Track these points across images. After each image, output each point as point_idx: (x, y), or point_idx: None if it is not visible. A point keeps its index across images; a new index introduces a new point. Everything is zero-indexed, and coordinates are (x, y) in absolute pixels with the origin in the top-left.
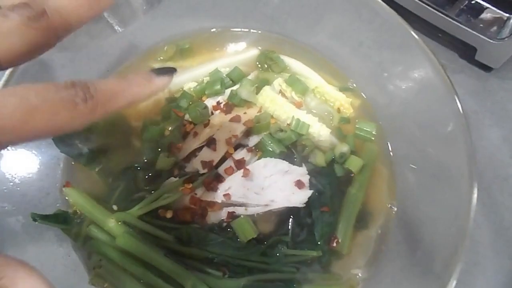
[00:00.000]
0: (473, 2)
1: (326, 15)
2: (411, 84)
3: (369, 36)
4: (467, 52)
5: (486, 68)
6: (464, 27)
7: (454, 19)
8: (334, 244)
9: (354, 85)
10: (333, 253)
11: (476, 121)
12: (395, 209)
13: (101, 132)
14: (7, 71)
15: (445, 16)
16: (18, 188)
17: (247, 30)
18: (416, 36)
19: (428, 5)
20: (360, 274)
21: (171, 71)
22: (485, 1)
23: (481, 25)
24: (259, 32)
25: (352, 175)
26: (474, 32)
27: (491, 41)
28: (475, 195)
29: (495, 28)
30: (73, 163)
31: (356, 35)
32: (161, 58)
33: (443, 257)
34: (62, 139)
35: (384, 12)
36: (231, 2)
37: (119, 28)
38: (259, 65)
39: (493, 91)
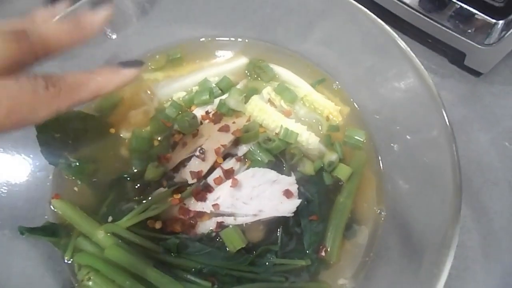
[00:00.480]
0: (461, 8)
1: (315, 23)
2: (398, 91)
3: (356, 43)
4: (456, 57)
5: (475, 73)
6: (453, 33)
7: (443, 25)
8: (323, 253)
9: (339, 86)
10: (322, 262)
11: (465, 125)
12: (384, 214)
13: (90, 142)
14: None
15: (434, 22)
16: (6, 201)
17: (235, 39)
18: (402, 44)
19: (418, 12)
20: (347, 285)
21: (138, 63)
22: (473, 8)
23: (470, 30)
24: (248, 40)
25: (341, 183)
26: (463, 38)
27: (480, 46)
28: (460, 200)
29: (483, 33)
30: (63, 175)
31: (344, 43)
32: (152, 67)
33: (432, 262)
34: (51, 150)
35: (370, 20)
36: (220, 10)
37: (111, 35)
38: (248, 74)
39: (482, 95)
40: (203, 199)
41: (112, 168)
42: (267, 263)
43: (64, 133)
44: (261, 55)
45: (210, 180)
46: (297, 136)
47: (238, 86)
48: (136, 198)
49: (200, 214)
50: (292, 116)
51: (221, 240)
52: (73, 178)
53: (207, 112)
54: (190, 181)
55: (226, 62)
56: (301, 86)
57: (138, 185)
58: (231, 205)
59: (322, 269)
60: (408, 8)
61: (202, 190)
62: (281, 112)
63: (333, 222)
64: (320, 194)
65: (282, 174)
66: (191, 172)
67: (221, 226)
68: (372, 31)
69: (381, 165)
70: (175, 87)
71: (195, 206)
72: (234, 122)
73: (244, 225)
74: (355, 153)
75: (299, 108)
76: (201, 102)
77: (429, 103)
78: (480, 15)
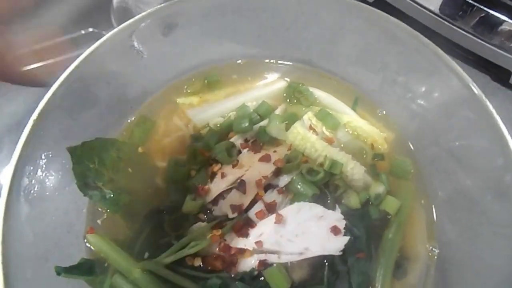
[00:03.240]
0: (508, 25)
1: (352, 41)
2: (450, 115)
3: (396, 60)
4: (500, 75)
5: None
6: (498, 50)
7: (488, 43)
8: None
9: (384, 112)
10: None
11: None
12: (437, 252)
13: (124, 172)
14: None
15: (478, 40)
16: (40, 238)
17: (273, 61)
18: (448, 58)
19: (460, 28)
20: None
21: None
22: None
23: None
24: (286, 63)
25: (389, 217)
26: (509, 56)
27: None
28: None
29: None
30: (97, 208)
31: (382, 60)
32: (189, 90)
33: None
34: (86, 182)
35: (413, 36)
36: (252, 29)
37: (143, 53)
38: (287, 98)
39: None
40: (245, 235)
41: (148, 200)
42: None
43: (100, 163)
44: (299, 78)
45: (252, 214)
46: (342, 167)
47: (277, 111)
48: (174, 232)
49: (242, 251)
50: (335, 144)
51: (263, 279)
52: (108, 210)
53: (246, 140)
54: (231, 215)
55: (263, 86)
56: (343, 111)
57: (176, 218)
58: (275, 243)
59: None
60: (448, 23)
61: (244, 225)
62: (324, 140)
63: (382, 260)
64: (367, 229)
65: (325, 207)
66: (231, 205)
67: (264, 264)
68: (415, 48)
69: (430, 199)
70: (211, 112)
71: (237, 242)
72: (275, 151)
73: (288, 264)
74: (402, 184)
75: (342, 135)
76: (240, 130)
77: (488, 132)
78: None
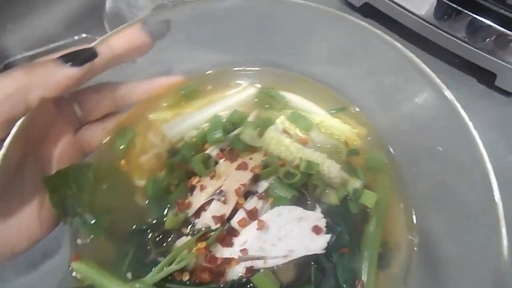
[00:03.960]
0: (492, 28)
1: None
2: (419, 110)
3: (370, 62)
4: (485, 77)
5: (506, 93)
6: (482, 53)
7: (472, 46)
8: None
9: (356, 109)
10: None
11: (496, 150)
12: (417, 240)
13: (105, 194)
14: None
15: (462, 43)
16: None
17: (243, 68)
18: (417, 60)
19: (445, 32)
20: None
21: (85, 55)
22: (504, 27)
23: (501, 51)
24: (256, 69)
25: (368, 210)
26: (494, 58)
27: None
28: (503, 234)
29: None
30: (80, 233)
31: (357, 62)
32: (165, 104)
33: None
34: (65, 210)
35: (379, 37)
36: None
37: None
38: (259, 104)
39: None
40: (229, 244)
41: (130, 219)
42: None
43: (77, 188)
44: (270, 83)
45: (234, 223)
46: (318, 166)
47: (250, 118)
48: (159, 249)
49: (228, 261)
50: (310, 145)
51: (252, 285)
52: (92, 234)
53: (222, 150)
54: (214, 227)
55: (235, 94)
56: (315, 111)
57: (159, 235)
58: (260, 248)
59: None
60: (434, 28)
61: (228, 235)
62: (298, 142)
63: (365, 254)
64: (348, 224)
65: (306, 207)
66: (213, 216)
67: (251, 270)
68: (384, 47)
69: (407, 188)
70: (185, 125)
71: (222, 252)
72: (251, 158)
73: (274, 267)
74: (379, 177)
75: (315, 136)
76: (215, 140)
77: (454, 123)
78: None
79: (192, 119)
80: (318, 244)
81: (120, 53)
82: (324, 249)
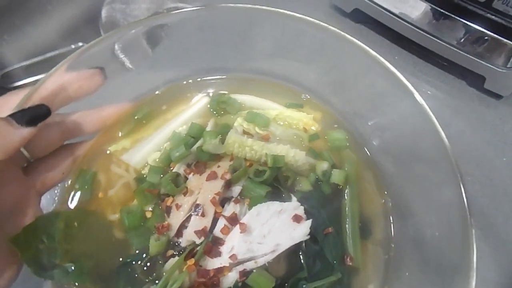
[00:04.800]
0: (480, 32)
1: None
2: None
3: (305, 45)
4: (475, 80)
5: (495, 96)
6: (471, 56)
7: (461, 49)
8: (349, 262)
9: (307, 96)
10: (351, 271)
11: (487, 151)
12: (390, 202)
13: (80, 239)
14: None
15: (451, 46)
16: None
17: (191, 80)
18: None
19: (433, 36)
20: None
21: (39, 114)
22: (493, 31)
23: (489, 54)
24: (205, 78)
25: (340, 187)
26: (482, 62)
27: (501, 70)
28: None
29: (504, 57)
30: (62, 285)
31: (294, 49)
32: (121, 133)
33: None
34: (41, 265)
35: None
36: (167, 55)
37: (130, 67)
38: (214, 112)
39: (504, 119)
40: (217, 254)
41: (112, 256)
42: None
43: (49, 240)
44: (220, 88)
45: (217, 232)
46: (284, 158)
47: (208, 128)
48: (149, 278)
49: (220, 270)
50: (272, 139)
51: (250, 287)
52: (76, 283)
53: (188, 165)
54: (198, 241)
55: (188, 108)
56: (269, 106)
57: (146, 264)
58: (248, 250)
59: (354, 278)
60: (423, 32)
61: (213, 246)
62: (260, 139)
63: (347, 228)
64: (325, 206)
65: (282, 200)
66: (195, 231)
67: (244, 274)
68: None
69: (371, 157)
70: (146, 150)
71: (212, 263)
72: (219, 166)
73: (266, 264)
74: (343, 154)
75: (274, 129)
76: (179, 158)
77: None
78: (499, 38)
79: (152, 142)
80: (301, 231)
81: (73, 95)
82: (308, 234)
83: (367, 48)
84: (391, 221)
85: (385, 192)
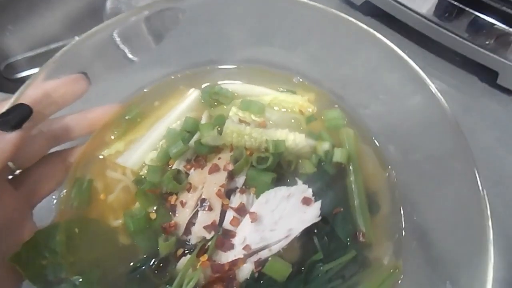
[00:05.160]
0: (495, 26)
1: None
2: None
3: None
4: (487, 75)
5: (508, 92)
6: (484, 51)
7: (474, 43)
8: (362, 238)
9: (299, 79)
10: (365, 247)
11: (498, 149)
12: (394, 174)
13: (84, 249)
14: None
15: (463, 40)
16: None
17: (180, 74)
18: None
19: (446, 29)
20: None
21: (20, 113)
22: (506, 24)
23: (503, 48)
24: (194, 70)
25: (343, 166)
26: (496, 57)
27: None
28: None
29: None
30: None
31: (278, 33)
32: (112, 137)
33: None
34: (47, 281)
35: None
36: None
37: (133, 58)
38: (207, 104)
39: None
40: (230, 247)
41: (121, 263)
42: (319, 275)
43: (51, 254)
44: (210, 80)
45: (227, 225)
46: (284, 143)
47: (203, 121)
48: (163, 280)
49: (235, 262)
50: (269, 125)
51: (267, 276)
52: None
53: (188, 161)
54: (208, 236)
55: (180, 102)
56: (262, 92)
57: (157, 266)
58: (261, 239)
59: (368, 253)
60: (434, 25)
61: (225, 239)
62: (258, 126)
63: (356, 205)
64: (331, 185)
65: (288, 185)
66: (204, 227)
67: (260, 263)
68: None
69: (371, 133)
70: (141, 150)
71: (226, 257)
72: (219, 158)
73: (281, 251)
74: (342, 132)
75: (271, 115)
76: (178, 154)
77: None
78: None
79: (146, 142)
80: (312, 213)
81: (60, 102)
82: (319, 216)
83: (361, 24)
84: (396, 194)
85: (388, 167)
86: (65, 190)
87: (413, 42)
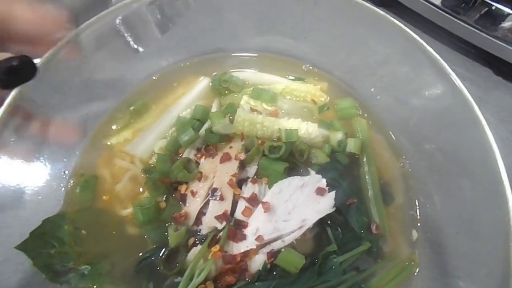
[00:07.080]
0: (510, 17)
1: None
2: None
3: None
4: (502, 68)
5: None
6: (501, 43)
7: (490, 35)
8: (375, 230)
9: (309, 66)
10: (379, 238)
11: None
12: (408, 163)
13: (92, 239)
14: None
15: (481, 33)
16: None
17: (189, 62)
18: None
19: (464, 22)
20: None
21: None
22: None
23: None
24: (203, 57)
25: (357, 156)
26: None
27: None
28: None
29: None
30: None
31: (285, 20)
32: (118, 127)
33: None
34: (55, 271)
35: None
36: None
37: (140, 48)
38: (217, 92)
39: None
40: (242, 237)
41: (129, 254)
42: (333, 266)
43: (60, 244)
44: (221, 68)
45: (239, 215)
46: (297, 132)
47: (213, 109)
48: (173, 271)
49: (247, 253)
50: (281, 114)
51: (279, 267)
52: (94, 285)
53: (198, 149)
54: (220, 226)
55: (189, 90)
56: (274, 81)
57: (168, 256)
58: (274, 230)
59: (382, 245)
60: (449, 16)
61: (237, 229)
62: (269, 115)
63: (370, 195)
64: (344, 175)
65: (300, 174)
66: (215, 217)
67: (272, 254)
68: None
69: (383, 121)
70: (151, 138)
71: (238, 248)
72: (231, 147)
73: (294, 242)
74: (355, 122)
75: (282, 104)
76: (188, 142)
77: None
78: None
79: (156, 130)
80: (326, 204)
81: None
82: (333, 206)
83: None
84: (410, 183)
85: (402, 156)
86: (72, 181)
87: (426, 34)
